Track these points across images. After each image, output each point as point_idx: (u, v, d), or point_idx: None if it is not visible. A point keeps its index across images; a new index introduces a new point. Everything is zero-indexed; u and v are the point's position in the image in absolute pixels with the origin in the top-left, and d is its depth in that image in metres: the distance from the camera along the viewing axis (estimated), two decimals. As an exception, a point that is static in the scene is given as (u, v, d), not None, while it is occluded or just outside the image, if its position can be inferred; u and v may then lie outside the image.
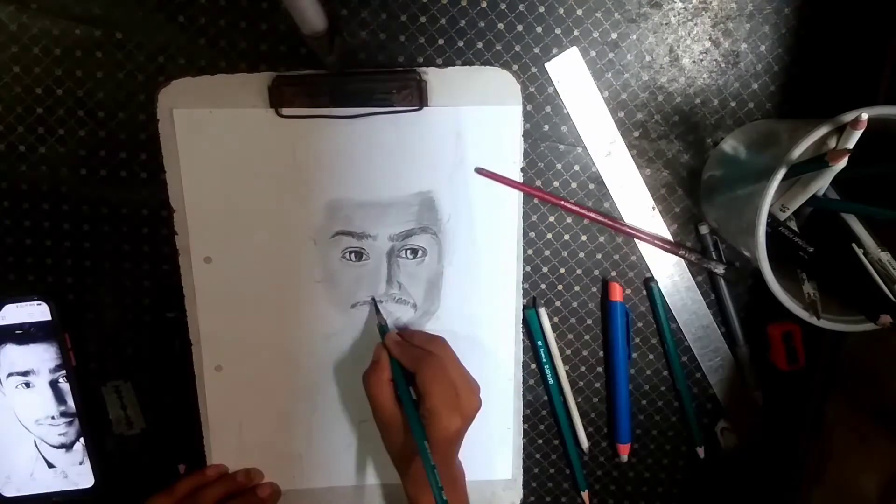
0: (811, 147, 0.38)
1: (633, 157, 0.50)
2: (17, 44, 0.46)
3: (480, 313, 0.51)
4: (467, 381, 0.46)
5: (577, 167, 0.50)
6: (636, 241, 0.51)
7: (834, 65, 0.48)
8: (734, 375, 0.54)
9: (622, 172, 0.50)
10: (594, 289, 0.52)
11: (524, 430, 0.54)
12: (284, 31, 0.47)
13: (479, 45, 0.48)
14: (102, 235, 0.50)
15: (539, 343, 0.52)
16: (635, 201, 0.50)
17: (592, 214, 0.50)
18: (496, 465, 0.54)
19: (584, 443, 0.55)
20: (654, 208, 0.51)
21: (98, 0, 0.46)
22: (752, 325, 0.53)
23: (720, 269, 0.51)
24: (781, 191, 0.42)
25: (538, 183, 0.50)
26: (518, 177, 0.49)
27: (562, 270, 0.52)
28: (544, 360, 0.52)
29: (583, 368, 0.54)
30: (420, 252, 0.50)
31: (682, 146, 0.50)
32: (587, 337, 0.53)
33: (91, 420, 0.52)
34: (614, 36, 0.48)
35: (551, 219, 0.51)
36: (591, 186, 0.50)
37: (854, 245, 0.43)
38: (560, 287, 0.52)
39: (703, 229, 0.51)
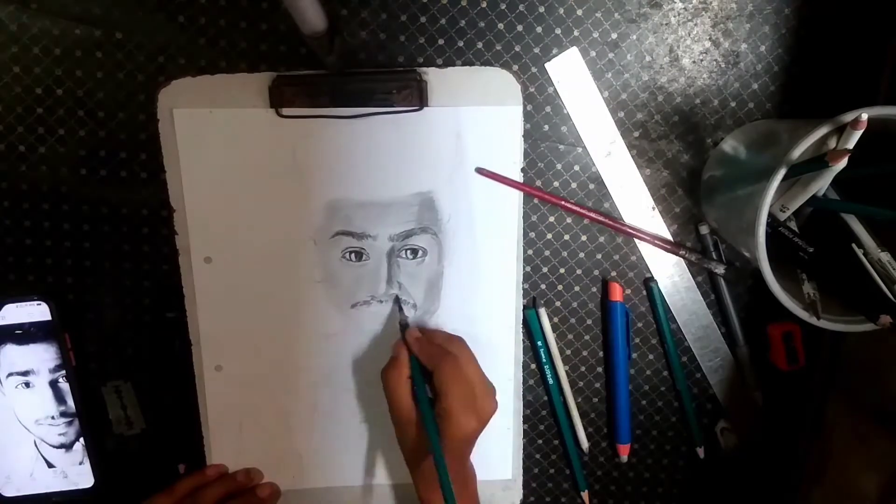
0: (811, 147, 0.38)
1: (633, 157, 0.50)
2: (17, 44, 0.46)
3: (480, 313, 0.51)
4: (484, 382, 0.46)
5: (577, 167, 0.50)
6: (636, 241, 0.51)
7: (834, 65, 0.48)
8: (734, 375, 0.54)
9: (622, 172, 0.50)
10: (594, 289, 0.52)
11: (524, 430, 0.54)
12: (284, 31, 0.47)
13: (479, 45, 0.48)
14: (102, 235, 0.50)
15: (539, 343, 0.52)
16: (635, 201, 0.50)
17: (592, 214, 0.50)
18: (496, 466, 0.54)
19: (584, 443, 0.55)
20: (654, 208, 0.51)
21: (98, 0, 0.46)
22: (752, 325, 0.53)
23: (720, 269, 0.51)
24: (781, 191, 0.42)
25: (538, 183, 0.50)
26: (518, 177, 0.49)
27: (562, 270, 0.52)
28: (544, 360, 0.52)
29: (583, 368, 0.54)
30: (420, 252, 0.50)
31: (682, 146, 0.50)
32: (587, 337, 0.53)
33: (91, 420, 0.52)
34: (614, 36, 0.48)
35: (551, 219, 0.51)
36: (591, 186, 0.50)
37: (854, 245, 0.43)
38: (560, 287, 0.52)
39: (703, 229, 0.51)
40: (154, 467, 0.53)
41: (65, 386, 0.51)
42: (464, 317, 0.51)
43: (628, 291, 0.52)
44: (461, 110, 0.47)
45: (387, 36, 0.47)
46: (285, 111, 0.47)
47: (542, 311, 0.52)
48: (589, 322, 0.53)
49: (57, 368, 0.50)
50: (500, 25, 0.48)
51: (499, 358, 0.52)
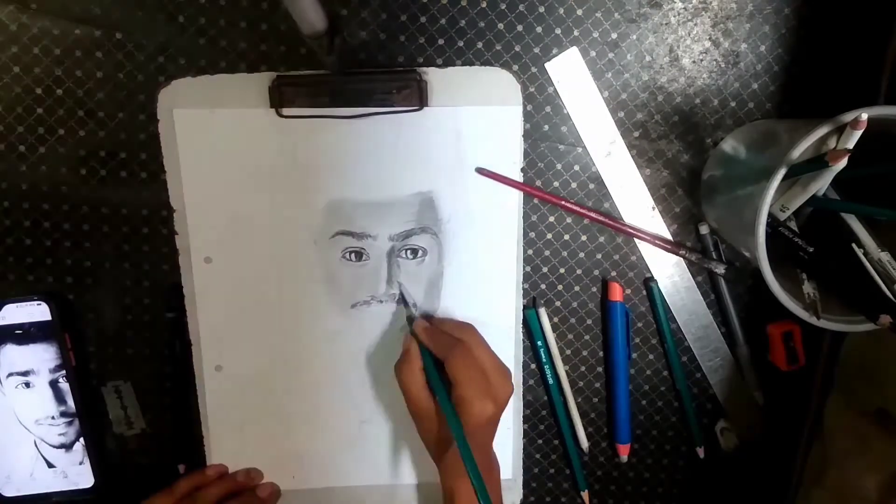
0: (811, 147, 0.38)
1: (633, 157, 0.50)
2: (17, 44, 0.46)
3: (480, 313, 0.51)
4: (498, 366, 0.46)
5: (577, 167, 0.50)
6: (636, 241, 0.51)
7: (834, 65, 0.48)
8: (734, 375, 0.54)
9: (622, 172, 0.50)
10: (594, 289, 0.52)
11: (524, 430, 0.54)
12: (284, 31, 0.47)
13: (479, 45, 0.48)
14: (102, 235, 0.50)
15: (539, 343, 0.52)
16: (635, 201, 0.51)
17: (592, 214, 0.50)
18: None
19: (584, 443, 0.55)
20: (654, 208, 0.51)
21: (98, 0, 0.46)
22: (752, 325, 0.53)
23: (720, 269, 0.51)
24: (781, 191, 0.42)
25: (538, 183, 0.50)
26: (518, 177, 0.49)
27: (562, 270, 0.52)
28: (544, 360, 0.52)
29: (583, 368, 0.54)
30: (420, 252, 0.50)
31: (682, 146, 0.50)
32: (587, 337, 0.53)
33: (91, 420, 0.52)
34: (614, 36, 0.48)
35: (551, 219, 0.51)
36: (591, 186, 0.50)
37: (854, 245, 0.43)
38: (560, 287, 0.52)
39: (703, 229, 0.51)
40: (154, 467, 0.53)
41: (65, 386, 0.51)
42: (464, 317, 0.51)
43: (628, 291, 0.52)
44: (461, 110, 0.47)
45: (387, 36, 0.47)
46: (285, 111, 0.47)
47: (542, 311, 0.52)
48: (589, 322, 0.53)
49: (57, 368, 0.50)
50: (500, 25, 0.48)
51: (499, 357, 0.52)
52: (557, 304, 0.52)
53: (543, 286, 0.52)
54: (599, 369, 0.54)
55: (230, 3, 0.46)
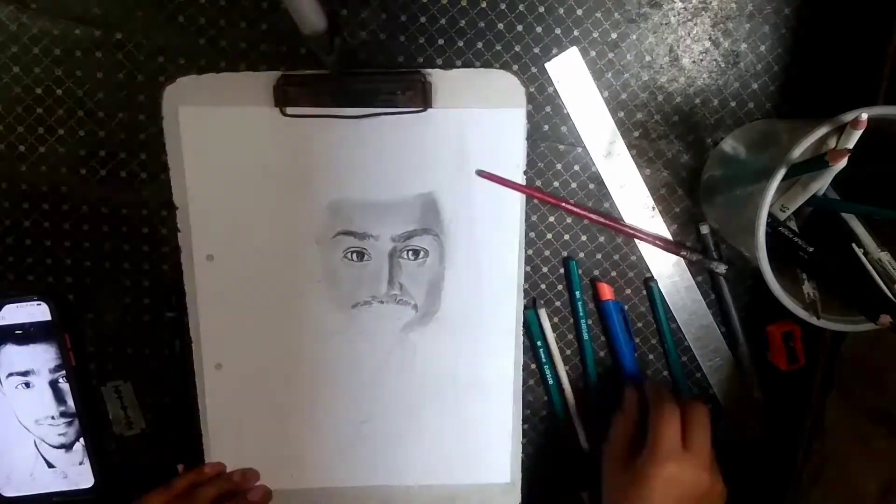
0: (811, 147, 0.38)
1: (633, 157, 0.50)
2: (17, 44, 0.46)
3: (481, 315, 0.51)
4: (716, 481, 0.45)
5: (577, 167, 0.50)
6: (636, 241, 0.51)
7: (834, 65, 0.48)
8: (734, 375, 0.54)
9: (622, 172, 0.50)
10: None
11: (524, 430, 0.54)
12: (284, 31, 0.47)
13: (479, 45, 0.48)
14: (102, 235, 0.50)
15: (539, 343, 0.52)
16: (635, 201, 0.51)
17: (592, 215, 0.50)
18: (494, 469, 0.54)
19: (584, 443, 0.54)
20: (654, 208, 0.51)
21: (98, 0, 0.46)
22: (752, 325, 0.53)
23: (720, 269, 0.51)
24: (781, 191, 0.42)
25: (538, 183, 0.50)
26: (521, 180, 0.49)
27: (562, 270, 0.52)
28: (544, 360, 0.52)
29: (583, 369, 0.54)
30: (422, 253, 0.50)
31: (682, 146, 0.50)
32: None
33: (91, 420, 0.52)
34: (614, 36, 0.48)
35: (551, 219, 0.51)
36: (591, 186, 0.50)
37: (854, 245, 0.43)
38: (560, 287, 0.52)
39: (704, 229, 0.51)
40: (154, 467, 0.53)
41: (65, 386, 0.51)
42: (464, 318, 0.51)
43: (628, 291, 0.52)
44: (465, 112, 0.47)
45: (387, 36, 0.47)
46: (290, 110, 0.47)
47: (543, 312, 0.52)
48: (589, 322, 0.53)
49: (57, 368, 0.50)
50: (500, 25, 0.48)
51: (499, 360, 0.52)
52: (557, 304, 0.52)
53: (543, 286, 0.52)
54: (600, 369, 0.54)
55: (230, 3, 0.46)
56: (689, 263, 0.52)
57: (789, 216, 0.44)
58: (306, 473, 0.53)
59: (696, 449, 0.44)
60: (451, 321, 0.51)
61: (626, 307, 0.52)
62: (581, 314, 0.52)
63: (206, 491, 0.50)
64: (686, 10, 0.48)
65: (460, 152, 0.48)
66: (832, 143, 0.39)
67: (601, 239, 0.51)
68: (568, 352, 0.53)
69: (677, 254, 0.51)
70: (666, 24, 0.48)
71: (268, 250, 0.49)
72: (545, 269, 0.52)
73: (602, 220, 0.50)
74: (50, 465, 0.52)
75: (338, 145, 0.48)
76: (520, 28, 0.48)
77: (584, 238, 0.51)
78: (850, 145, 0.38)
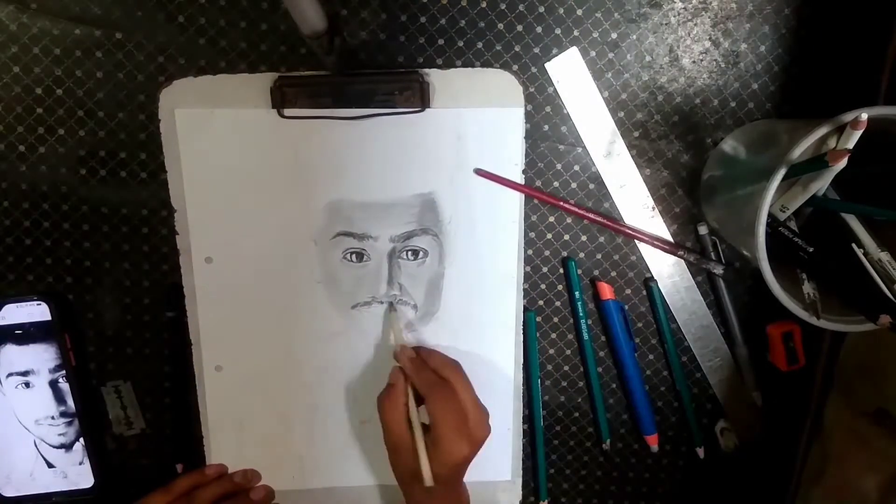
0: (811, 147, 0.38)
1: (633, 157, 0.50)
2: (16, 44, 0.46)
3: (481, 315, 0.51)
4: (478, 408, 0.46)
5: (577, 167, 0.50)
6: (636, 241, 0.51)
7: (834, 65, 0.48)
8: (734, 375, 0.54)
9: (622, 172, 0.50)
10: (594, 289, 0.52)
11: (524, 430, 0.54)
12: (284, 31, 0.47)
13: (479, 45, 0.48)
14: (102, 235, 0.50)
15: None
16: (635, 201, 0.51)
17: (592, 215, 0.50)
18: (495, 466, 0.54)
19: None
20: (653, 208, 0.51)
21: (98, 0, 0.46)
22: (752, 325, 0.53)
23: (718, 270, 0.51)
24: (781, 191, 0.42)
25: (538, 183, 0.50)
26: (520, 179, 0.49)
27: (562, 270, 0.52)
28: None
29: (583, 369, 0.54)
30: (421, 253, 0.50)
31: (682, 146, 0.50)
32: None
33: (91, 420, 0.52)
34: (614, 36, 0.48)
35: (551, 219, 0.51)
36: (591, 186, 0.50)
37: (854, 245, 0.43)
38: (560, 287, 0.52)
39: (703, 229, 0.51)
40: (153, 467, 0.53)
41: (65, 386, 0.51)
42: (464, 318, 0.51)
43: (628, 291, 0.52)
44: (463, 112, 0.47)
45: (387, 36, 0.47)
46: (287, 112, 0.47)
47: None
48: (589, 322, 0.53)
49: (57, 368, 0.50)
50: (500, 25, 0.48)
51: (499, 359, 0.52)
52: (557, 304, 0.52)
53: (543, 286, 0.52)
54: (600, 369, 0.54)
55: (230, 3, 0.46)
56: (689, 263, 0.52)
57: (789, 216, 0.44)
58: (307, 474, 0.54)
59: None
60: (451, 321, 0.51)
61: (626, 307, 0.52)
62: (581, 314, 0.52)
63: (206, 492, 0.50)
64: (686, 10, 0.48)
65: (459, 152, 0.48)
66: (832, 144, 0.39)
67: (601, 239, 0.51)
68: (568, 352, 0.53)
69: (676, 254, 0.51)
70: (666, 24, 0.48)
71: (266, 252, 0.49)
72: (545, 269, 0.52)
73: (602, 220, 0.50)
74: (50, 465, 0.52)
75: (336, 146, 0.48)
76: (520, 28, 0.48)
77: (584, 238, 0.51)
78: (850, 145, 0.38)
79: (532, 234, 0.51)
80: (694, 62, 0.49)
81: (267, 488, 0.53)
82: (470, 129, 0.48)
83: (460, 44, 0.48)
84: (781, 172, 0.38)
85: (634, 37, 0.48)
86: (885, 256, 0.42)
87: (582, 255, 0.51)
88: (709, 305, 0.53)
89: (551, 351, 0.53)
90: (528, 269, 0.52)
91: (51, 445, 0.52)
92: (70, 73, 0.47)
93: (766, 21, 0.48)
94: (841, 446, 0.50)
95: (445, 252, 0.50)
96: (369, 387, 0.52)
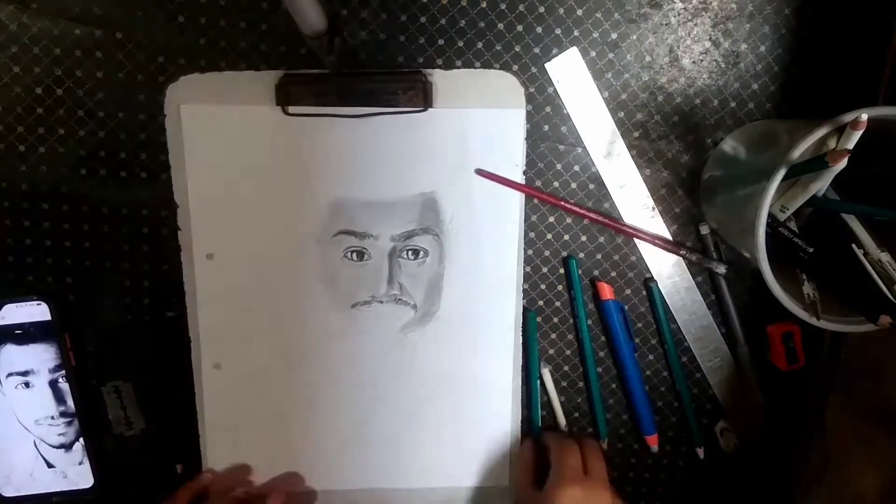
0: (811, 147, 0.38)
1: (633, 157, 0.50)
2: (16, 44, 0.46)
3: (480, 315, 0.51)
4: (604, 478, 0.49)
5: (577, 167, 0.50)
6: (636, 241, 0.51)
7: (834, 65, 0.48)
8: (734, 375, 0.54)
9: (622, 172, 0.50)
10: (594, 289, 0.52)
11: (523, 430, 0.54)
12: (284, 31, 0.47)
13: (479, 45, 0.48)
14: (102, 235, 0.50)
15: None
16: (635, 201, 0.51)
17: (592, 215, 0.50)
18: (493, 471, 0.54)
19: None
20: (653, 208, 0.51)
21: (98, 0, 0.46)
22: (752, 325, 0.53)
23: (720, 269, 0.51)
24: (781, 191, 0.42)
25: (538, 183, 0.50)
26: (520, 180, 0.49)
27: (562, 270, 0.52)
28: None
29: (582, 369, 0.54)
30: (421, 253, 0.50)
31: (682, 146, 0.50)
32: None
33: (91, 420, 0.51)
34: (614, 36, 0.48)
35: (551, 219, 0.51)
36: (591, 186, 0.50)
37: (854, 245, 0.43)
38: (560, 287, 0.52)
39: (703, 229, 0.51)
40: (153, 467, 0.53)
41: (64, 386, 0.51)
42: (463, 319, 0.51)
43: (628, 291, 0.52)
44: (465, 112, 0.47)
45: (387, 36, 0.47)
46: (291, 109, 0.47)
47: (546, 372, 0.53)
48: (589, 322, 0.53)
49: (57, 368, 0.50)
50: (500, 25, 0.48)
51: (497, 361, 0.52)
52: (557, 304, 0.52)
53: (543, 286, 0.52)
54: (600, 369, 0.54)
55: (230, 3, 0.46)
56: (689, 263, 0.52)
57: (789, 216, 0.44)
58: (302, 475, 0.53)
59: (596, 473, 0.48)
60: (451, 321, 0.51)
61: (626, 307, 0.52)
62: (581, 314, 0.52)
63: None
64: (686, 10, 0.48)
65: (460, 152, 0.48)
66: (832, 144, 0.39)
67: (601, 239, 0.51)
68: (568, 352, 0.53)
69: (677, 254, 0.51)
70: (666, 24, 0.48)
71: (268, 249, 0.49)
72: (545, 269, 0.52)
73: (602, 220, 0.50)
74: (50, 465, 0.52)
75: (339, 144, 0.48)
76: (520, 28, 0.48)
77: (584, 238, 0.51)
78: (850, 146, 0.38)
79: (532, 234, 0.51)
80: (694, 62, 0.49)
81: (283, 497, 0.51)
82: (472, 129, 0.48)
83: (460, 44, 0.48)
84: (781, 172, 0.38)
85: (634, 37, 0.48)
86: (885, 256, 0.42)
87: (582, 255, 0.51)
88: (709, 305, 0.53)
89: (551, 351, 0.53)
90: (528, 269, 0.52)
91: (51, 445, 0.52)
92: (70, 73, 0.47)
93: (766, 21, 0.48)
94: (841, 446, 0.50)
95: (446, 252, 0.50)
96: (367, 387, 0.52)
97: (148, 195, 0.49)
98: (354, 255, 0.50)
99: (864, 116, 0.36)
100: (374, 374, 0.52)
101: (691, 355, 0.53)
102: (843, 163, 0.36)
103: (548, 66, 0.48)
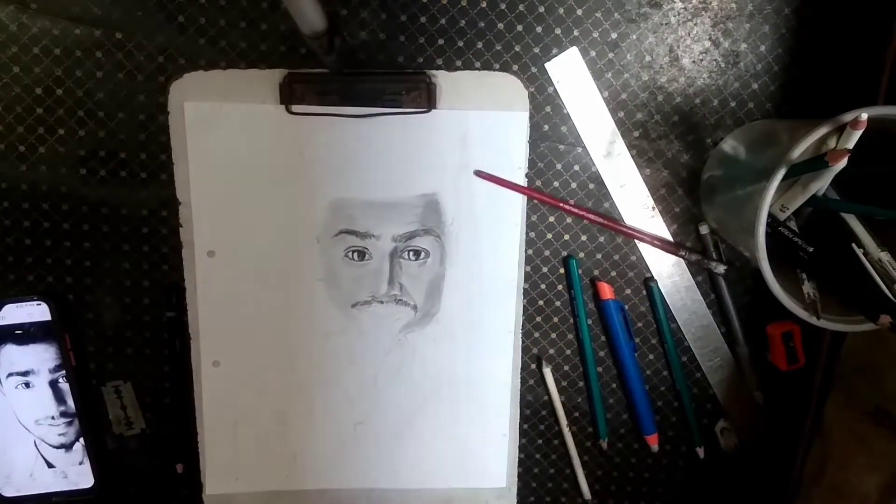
0: (811, 147, 0.38)
1: (633, 157, 0.50)
2: (16, 44, 0.46)
3: (480, 317, 0.51)
4: None
5: (577, 167, 0.50)
6: (636, 241, 0.51)
7: (834, 65, 0.48)
8: (734, 375, 0.54)
9: (622, 172, 0.50)
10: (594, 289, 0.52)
11: (524, 429, 0.54)
12: (284, 31, 0.47)
13: (479, 45, 0.48)
14: (102, 235, 0.50)
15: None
16: (635, 201, 0.51)
17: (592, 215, 0.50)
18: (490, 473, 0.54)
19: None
20: (653, 208, 0.51)
21: (98, 0, 0.46)
22: (752, 325, 0.53)
23: (720, 269, 0.51)
24: (781, 191, 0.42)
25: (538, 183, 0.50)
26: (522, 182, 0.49)
27: (562, 270, 0.52)
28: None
29: (582, 369, 0.54)
30: (422, 254, 0.50)
31: (682, 146, 0.50)
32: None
33: (91, 420, 0.51)
34: (614, 36, 0.48)
35: (551, 219, 0.51)
36: (591, 186, 0.50)
37: (854, 245, 0.43)
38: (560, 287, 0.52)
39: (703, 229, 0.51)
40: (153, 467, 0.53)
41: (65, 386, 0.51)
42: (463, 320, 0.51)
43: (628, 291, 0.52)
44: (468, 114, 0.47)
45: (387, 36, 0.47)
46: (295, 108, 0.47)
47: (548, 372, 0.52)
48: (589, 322, 0.53)
49: (57, 368, 0.50)
50: (500, 25, 0.48)
51: (496, 362, 0.52)
52: (557, 304, 0.52)
53: (543, 286, 0.52)
54: (600, 369, 0.54)
55: (230, 3, 0.46)
56: (689, 263, 0.52)
57: (789, 216, 0.44)
58: (300, 475, 0.53)
59: None
60: (451, 322, 0.51)
61: (626, 307, 0.52)
62: (581, 314, 0.52)
63: None
64: (686, 10, 0.48)
65: (463, 154, 0.48)
66: (832, 144, 0.39)
67: (601, 239, 0.51)
68: (568, 352, 0.53)
69: (677, 254, 0.51)
70: (666, 24, 0.48)
71: (269, 247, 0.49)
72: (545, 269, 0.52)
73: (602, 220, 0.50)
74: (50, 465, 0.52)
75: (342, 144, 0.48)
76: (520, 28, 0.48)
77: (584, 238, 0.51)
78: (850, 145, 0.38)
79: (532, 234, 0.51)
80: (694, 62, 0.49)
81: None
82: (475, 130, 0.48)
83: (460, 44, 0.48)
84: (781, 172, 0.38)
85: (634, 37, 0.48)
86: (885, 256, 0.42)
87: (582, 255, 0.52)
88: (709, 305, 0.53)
89: (551, 351, 0.53)
90: (528, 268, 0.52)
91: (51, 445, 0.52)
92: (70, 73, 0.47)
93: (766, 21, 0.48)
94: (841, 446, 0.50)
95: (447, 253, 0.50)
96: (366, 387, 0.52)
97: (148, 195, 0.49)
98: (355, 254, 0.50)
99: (864, 116, 0.36)
100: (374, 374, 0.52)
101: (691, 355, 0.53)
102: (843, 162, 0.36)
103: (548, 65, 0.48)
